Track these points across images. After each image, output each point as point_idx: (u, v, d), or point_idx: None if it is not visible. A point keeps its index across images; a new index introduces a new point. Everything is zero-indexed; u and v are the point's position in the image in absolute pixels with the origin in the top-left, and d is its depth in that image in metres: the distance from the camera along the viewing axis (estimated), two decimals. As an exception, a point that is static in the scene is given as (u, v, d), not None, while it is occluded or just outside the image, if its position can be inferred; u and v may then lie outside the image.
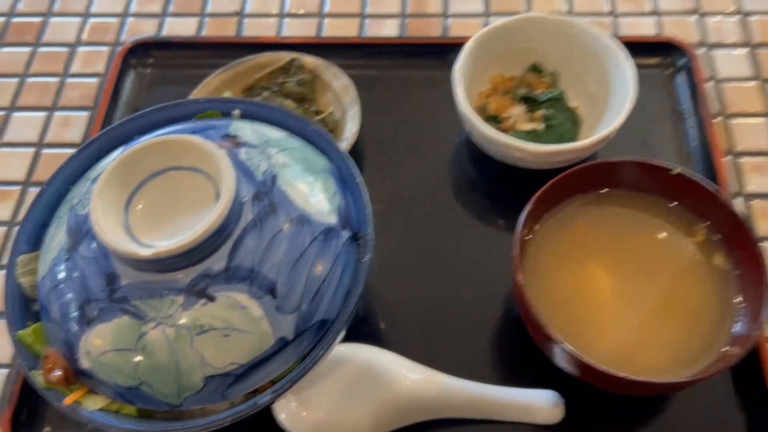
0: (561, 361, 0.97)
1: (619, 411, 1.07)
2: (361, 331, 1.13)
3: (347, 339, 1.02)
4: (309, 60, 1.31)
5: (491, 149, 1.19)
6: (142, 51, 1.43)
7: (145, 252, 0.78)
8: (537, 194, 0.98)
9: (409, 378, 1.03)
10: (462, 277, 1.18)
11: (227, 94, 1.31)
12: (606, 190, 1.05)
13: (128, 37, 1.46)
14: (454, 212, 1.26)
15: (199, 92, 1.30)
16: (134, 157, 0.86)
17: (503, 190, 1.28)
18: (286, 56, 1.33)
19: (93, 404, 0.86)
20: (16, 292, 0.91)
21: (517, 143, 1.11)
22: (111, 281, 0.75)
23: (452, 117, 1.25)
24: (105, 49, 1.47)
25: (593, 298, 1.00)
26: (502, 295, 1.17)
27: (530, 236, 1.03)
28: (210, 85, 1.30)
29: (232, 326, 0.82)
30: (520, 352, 1.11)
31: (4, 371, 1.15)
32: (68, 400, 0.83)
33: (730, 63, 1.42)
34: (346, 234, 0.85)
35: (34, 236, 0.97)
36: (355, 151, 1.27)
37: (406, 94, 1.39)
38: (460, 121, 1.23)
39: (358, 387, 1.01)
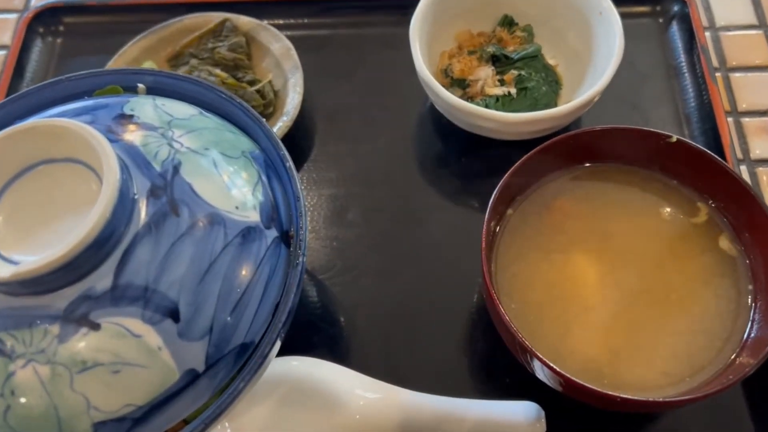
0: (538, 372, 0.81)
1: (609, 425, 0.92)
2: (308, 340, 0.97)
3: (288, 351, 0.86)
4: (243, 21, 1.14)
5: (458, 119, 1.02)
6: (50, 17, 1.24)
7: (2, 271, 0.61)
8: (508, 173, 0.81)
9: (364, 398, 0.88)
10: (430, 271, 1.03)
11: (148, 64, 1.13)
12: (590, 164, 0.89)
13: (36, 2, 1.26)
14: (419, 194, 1.10)
15: (115, 63, 1.12)
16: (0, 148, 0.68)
17: (475, 167, 1.11)
18: (216, 17, 1.15)
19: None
20: None
21: (484, 112, 0.94)
22: (-36, 308, 0.57)
23: (414, 82, 1.07)
24: (11, 16, 1.27)
25: (576, 295, 0.85)
26: (476, 291, 1.00)
27: (502, 222, 0.86)
28: (128, 55, 1.12)
29: (123, 360, 0.65)
30: (495, 359, 0.96)
31: None
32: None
33: (731, 9, 1.25)
34: (271, 234, 0.69)
35: None
36: (299, 126, 1.09)
37: (358, 57, 1.21)
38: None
39: (301, 412, 0.86)
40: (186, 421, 0.70)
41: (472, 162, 1.12)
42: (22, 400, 0.65)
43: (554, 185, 0.89)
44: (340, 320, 1.00)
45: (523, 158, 0.83)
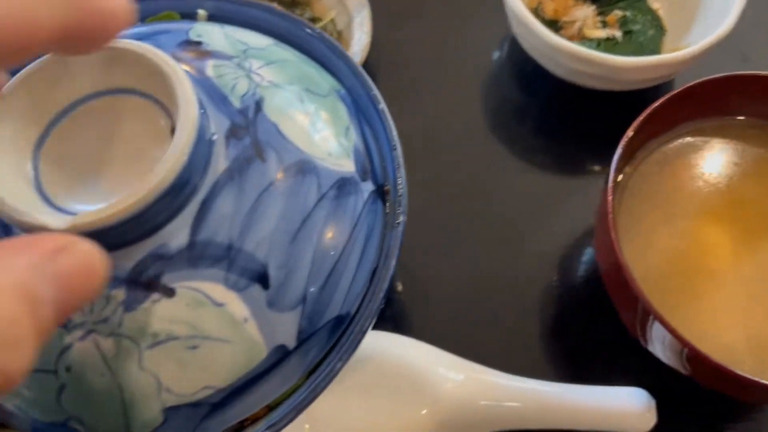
0: (661, 350, 0.70)
1: (726, 417, 0.81)
2: (381, 314, 0.85)
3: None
4: (302, -49, 0.98)
5: (555, 64, 0.90)
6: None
7: (58, 222, 0.49)
8: (637, 122, 0.69)
9: (452, 379, 0.77)
10: (510, 241, 0.91)
11: (195, -3, 0.99)
12: (720, 119, 0.76)
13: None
14: (497, 154, 0.98)
15: (157, -6, 0.98)
16: (47, 76, 0.55)
17: (562, 121, 0.98)
18: (271, -54, 0.98)
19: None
20: None
21: (596, 56, 0.82)
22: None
23: (494, 23, 0.94)
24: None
25: (705, 268, 0.73)
26: (562, 262, 0.89)
27: (619, 182, 0.74)
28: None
29: (202, 333, 0.54)
30: (589, 338, 0.85)
31: None
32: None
33: None
34: (367, 187, 0.58)
35: None
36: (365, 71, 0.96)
37: (430, -6, 1.07)
38: (506, 26, 0.93)
39: (382, 394, 0.75)
40: (270, 407, 0.59)
41: (557, 116, 1.00)
42: (80, 378, 0.54)
43: (679, 142, 0.77)
44: (409, 292, 0.89)
45: (652, 107, 0.71)
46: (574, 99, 0.97)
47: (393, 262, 0.63)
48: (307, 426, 0.74)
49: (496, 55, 1.05)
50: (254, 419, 0.60)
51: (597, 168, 0.96)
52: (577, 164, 0.97)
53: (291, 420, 0.57)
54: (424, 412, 0.74)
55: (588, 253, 0.91)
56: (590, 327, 0.86)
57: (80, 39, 0.49)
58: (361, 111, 0.71)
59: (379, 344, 0.78)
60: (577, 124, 0.98)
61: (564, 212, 0.93)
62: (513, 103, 1.01)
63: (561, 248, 0.92)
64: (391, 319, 0.87)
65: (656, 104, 0.70)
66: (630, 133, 0.69)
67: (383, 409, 0.74)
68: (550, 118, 1.00)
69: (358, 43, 0.95)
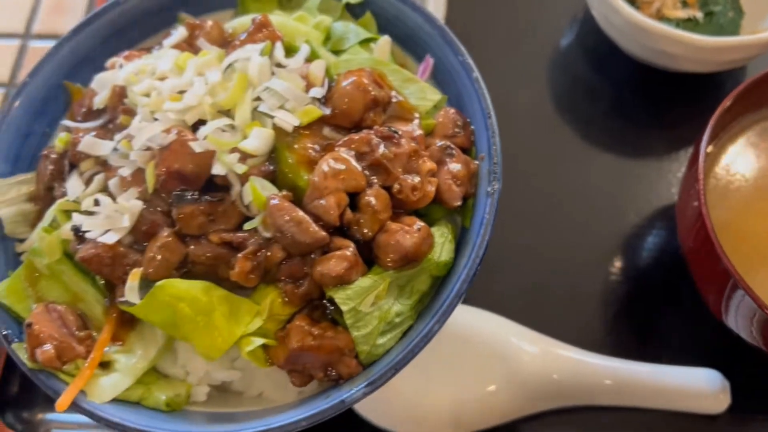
0: (746, 326, 0.69)
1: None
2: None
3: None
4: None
5: (631, 43, 0.89)
6: None
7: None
8: (736, 92, 0.69)
9: (527, 352, 0.77)
10: (579, 221, 0.90)
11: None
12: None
13: None
14: (564, 135, 0.97)
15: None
16: None
17: (634, 103, 0.97)
18: None
19: (103, 393, 0.59)
20: None
21: (682, 35, 0.81)
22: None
23: (563, 3, 0.94)
24: None
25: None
26: (632, 244, 0.88)
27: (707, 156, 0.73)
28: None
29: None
30: (660, 318, 0.84)
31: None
32: (65, 399, 0.56)
33: None
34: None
35: (14, 151, 0.70)
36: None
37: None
38: (579, 4, 0.92)
39: (461, 364, 0.75)
40: (364, 365, 0.60)
41: (631, 98, 0.98)
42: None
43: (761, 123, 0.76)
44: (484, 267, 0.89)
45: (752, 79, 0.70)
46: (648, 81, 0.96)
47: (489, 230, 0.63)
48: (398, 401, 0.75)
49: (567, 34, 1.04)
50: (350, 376, 0.60)
51: (667, 153, 0.95)
52: (647, 148, 0.96)
53: (388, 379, 0.58)
54: (502, 383, 0.75)
55: (658, 236, 0.90)
56: (661, 307, 0.85)
57: None
58: (452, 79, 0.71)
59: (461, 316, 0.78)
60: (649, 107, 0.96)
61: (632, 195, 0.92)
62: (583, 83, 1.00)
63: (630, 230, 0.91)
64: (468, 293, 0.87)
65: (757, 77, 0.69)
66: (727, 102, 0.68)
67: (464, 380, 0.74)
68: (622, 100, 0.98)
69: (437, 11, 0.95)
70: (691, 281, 0.75)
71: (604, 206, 0.92)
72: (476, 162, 0.66)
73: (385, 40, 0.71)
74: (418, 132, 0.64)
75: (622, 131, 0.97)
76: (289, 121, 0.61)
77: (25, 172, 0.71)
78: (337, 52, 0.72)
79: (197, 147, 0.60)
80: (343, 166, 0.59)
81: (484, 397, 0.74)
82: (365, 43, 0.71)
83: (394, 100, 0.66)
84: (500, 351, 0.76)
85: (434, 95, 0.68)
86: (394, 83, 0.68)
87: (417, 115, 0.66)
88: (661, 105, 0.97)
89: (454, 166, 0.65)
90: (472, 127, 0.68)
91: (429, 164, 0.63)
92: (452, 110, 0.68)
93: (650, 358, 0.80)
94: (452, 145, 0.66)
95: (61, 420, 0.80)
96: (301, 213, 0.58)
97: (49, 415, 0.80)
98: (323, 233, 0.58)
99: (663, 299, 0.85)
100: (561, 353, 0.79)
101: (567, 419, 0.78)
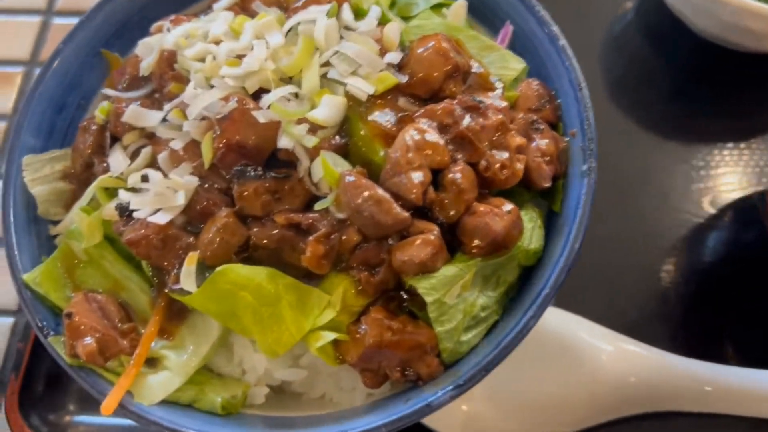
0: None
1: None
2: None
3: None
4: None
5: (704, 18, 0.82)
6: None
7: None
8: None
9: (604, 350, 0.70)
10: (649, 209, 0.84)
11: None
12: None
13: None
14: (618, 120, 0.90)
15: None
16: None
17: (698, 86, 0.90)
18: None
19: (152, 394, 0.52)
20: (21, 212, 0.58)
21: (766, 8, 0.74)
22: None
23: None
24: None
25: None
26: (699, 238, 0.82)
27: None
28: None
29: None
30: (733, 316, 0.78)
31: (8, 321, 0.79)
32: (111, 401, 0.49)
33: None
34: None
35: (47, 125, 0.63)
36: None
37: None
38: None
39: (531, 364, 0.68)
40: (445, 365, 0.53)
41: (696, 80, 0.91)
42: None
43: None
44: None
45: None
46: (716, 63, 0.89)
47: (587, 214, 0.56)
48: (464, 407, 0.68)
49: (623, 10, 0.97)
50: (431, 376, 0.54)
51: (736, 142, 0.89)
52: (714, 137, 0.90)
53: (477, 381, 0.51)
54: (578, 386, 0.68)
55: (731, 229, 0.84)
56: (733, 305, 0.78)
57: None
58: (533, 48, 0.65)
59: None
60: (716, 92, 0.89)
61: (699, 187, 0.86)
62: (642, 65, 0.93)
63: (702, 222, 0.84)
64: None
65: None
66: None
67: (536, 384, 0.67)
68: (686, 83, 0.91)
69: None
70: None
71: (671, 197, 0.85)
72: (566, 138, 0.60)
73: (460, 4, 0.64)
74: (503, 104, 0.58)
75: (686, 118, 0.90)
76: (363, 88, 0.54)
77: (59, 148, 0.65)
78: (404, 19, 0.65)
79: (261, 117, 0.53)
80: (427, 139, 0.52)
81: (560, 402, 0.68)
82: (437, 8, 0.64)
83: (474, 69, 0.59)
84: (573, 350, 0.69)
85: (517, 64, 0.62)
86: (472, 51, 0.61)
87: (500, 85, 0.59)
88: (730, 90, 0.90)
89: (543, 142, 0.58)
90: (559, 100, 0.61)
91: (518, 139, 0.56)
92: (535, 81, 0.62)
93: (727, 359, 0.73)
94: (539, 119, 0.59)
95: (91, 422, 0.73)
96: (380, 191, 0.51)
97: (78, 417, 0.73)
98: (406, 214, 0.51)
99: (735, 298, 0.78)
100: (636, 352, 0.72)
101: (646, 427, 0.71)
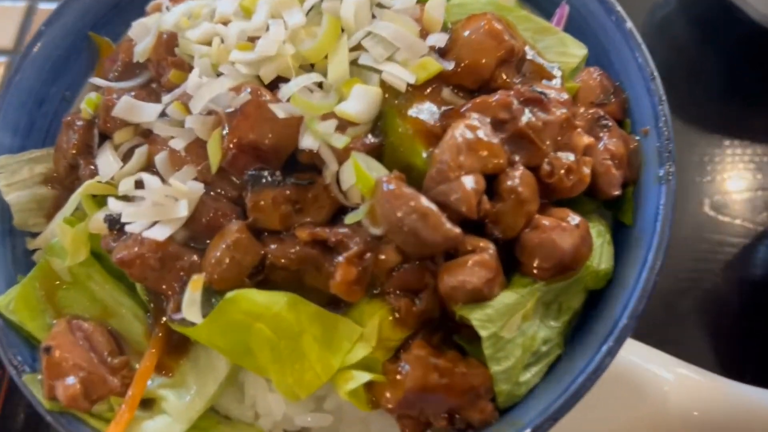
0: None
1: None
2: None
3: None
4: None
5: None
6: None
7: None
8: None
9: (665, 380, 0.62)
10: (704, 218, 0.75)
11: None
12: None
13: None
14: (680, 115, 0.80)
15: None
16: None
17: (756, 78, 0.81)
18: None
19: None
20: None
21: None
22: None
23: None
24: None
25: None
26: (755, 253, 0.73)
27: None
28: None
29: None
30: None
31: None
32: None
33: None
34: None
35: (25, 120, 0.55)
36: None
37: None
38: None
39: (587, 398, 0.59)
40: (500, 410, 0.44)
41: (749, 73, 0.83)
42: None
43: None
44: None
45: None
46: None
47: (667, 228, 0.47)
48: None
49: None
50: (484, 424, 0.45)
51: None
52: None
53: (545, 431, 0.42)
54: (647, 423, 0.59)
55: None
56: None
57: None
58: (592, 31, 0.56)
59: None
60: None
61: (751, 196, 0.78)
62: (688, 53, 0.84)
63: (757, 233, 0.76)
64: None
65: None
66: None
67: (605, 422, 0.58)
68: (739, 76, 0.83)
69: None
70: None
71: (728, 203, 0.77)
72: (636, 137, 0.51)
73: (508, -20, 0.55)
74: (565, 96, 0.49)
75: (741, 114, 0.82)
76: (402, 76, 0.45)
77: (39, 147, 0.56)
78: (444, -5, 0.56)
79: (280, 111, 0.44)
80: (480, 138, 0.43)
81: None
82: (482, -16, 0.56)
83: (528, 55, 0.50)
84: (631, 380, 0.61)
85: (579, 50, 0.53)
86: (525, 35, 0.52)
87: (559, 74, 0.50)
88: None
89: (611, 142, 0.49)
90: (626, 93, 0.52)
91: (585, 138, 0.47)
92: (597, 71, 0.53)
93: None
94: (606, 115, 0.50)
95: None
96: (425, 201, 0.42)
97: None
98: (457, 230, 0.42)
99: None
100: (703, 382, 0.63)
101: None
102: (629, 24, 0.53)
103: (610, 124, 0.50)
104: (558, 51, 0.52)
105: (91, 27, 0.59)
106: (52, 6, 0.93)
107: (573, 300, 0.47)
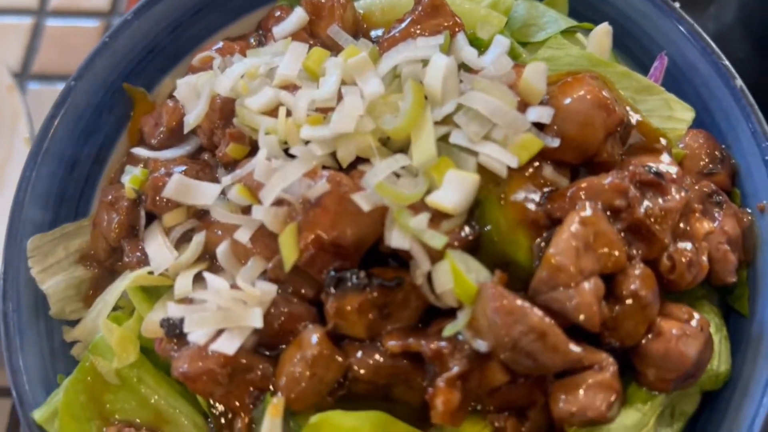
0: None
1: None
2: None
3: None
4: None
5: None
6: None
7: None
8: None
9: None
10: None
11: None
12: None
13: None
14: None
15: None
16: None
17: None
18: None
19: None
20: (27, 318, 0.44)
21: None
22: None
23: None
24: None
25: None
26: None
27: None
28: None
29: None
30: None
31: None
32: None
33: None
34: None
35: (56, 189, 0.49)
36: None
37: None
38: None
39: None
40: None
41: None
42: None
43: None
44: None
45: None
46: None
47: None
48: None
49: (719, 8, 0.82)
50: None
51: None
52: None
53: None
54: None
55: None
56: None
57: None
58: (693, 89, 0.50)
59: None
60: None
61: None
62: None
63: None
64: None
65: None
66: None
67: None
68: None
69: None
70: None
71: None
72: (749, 211, 0.45)
73: (604, 30, 0.48)
74: (676, 170, 0.43)
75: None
76: (503, 160, 0.39)
77: (71, 220, 0.49)
78: (523, 47, 0.49)
79: (365, 203, 0.38)
80: (600, 233, 0.37)
81: None
82: (568, 32, 0.49)
83: (633, 121, 0.44)
84: None
85: (686, 113, 0.46)
86: (625, 95, 0.46)
87: (664, 143, 0.45)
88: None
89: (726, 223, 0.44)
90: (734, 160, 0.47)
91: (706, 225, 0.42)
92: (702, 134, 0.47)
93: None
94: (719, 190, 0.44)
95: None
96: (541, 316, 0.36)
97: None
98: (578, 350, 0.36)
99: None
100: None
101: None
102: (739, 81, 0.47)
103: (723, 200, 0.45)
104: (663, 116, 0.46)
105: (126, 77, 0.52)
106: (59, 23, 0.86)
107: (687, 405, 0.42)
